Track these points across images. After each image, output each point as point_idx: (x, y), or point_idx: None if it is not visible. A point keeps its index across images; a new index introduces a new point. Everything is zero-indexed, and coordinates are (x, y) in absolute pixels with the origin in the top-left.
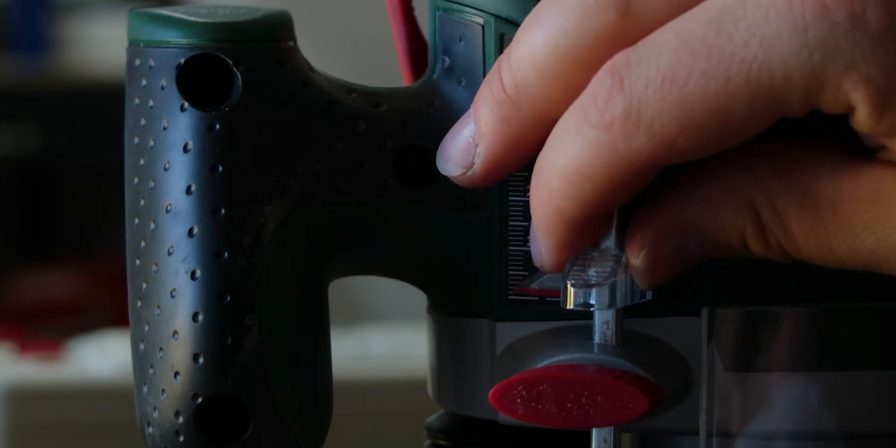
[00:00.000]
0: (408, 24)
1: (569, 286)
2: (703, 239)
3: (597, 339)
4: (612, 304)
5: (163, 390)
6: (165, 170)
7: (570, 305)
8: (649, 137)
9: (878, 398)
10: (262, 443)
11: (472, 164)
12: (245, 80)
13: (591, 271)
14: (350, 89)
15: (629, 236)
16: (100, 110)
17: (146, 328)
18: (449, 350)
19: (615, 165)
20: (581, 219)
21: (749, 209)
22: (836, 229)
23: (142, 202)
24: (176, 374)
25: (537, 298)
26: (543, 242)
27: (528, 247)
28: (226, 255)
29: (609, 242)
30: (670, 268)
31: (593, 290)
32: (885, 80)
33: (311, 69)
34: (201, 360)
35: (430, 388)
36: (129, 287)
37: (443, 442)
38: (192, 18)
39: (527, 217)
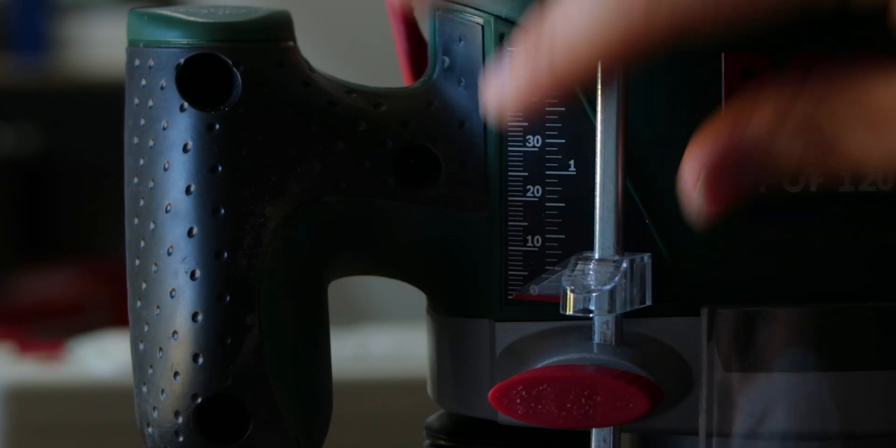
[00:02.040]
0: (408, 24)
1: (568, 292)
2: (760, 166)
3: (596, 339)
4: (611, 309)
5: (162, 390)
6: (165, 170)
7: (569, 311)
8: (671, 8)
9: (878, 398)
10: (262, 443)
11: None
12: (245, 80)
13: (591, 277)
14: (350, 89)
15: (685, 167)
16: (100, 110)
17: (146, 328)
18: (449, 350)
19: (627, 30)
20: (568, 79)
21: (806, 131)
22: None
23: (141, 202)
24: (176, 374)
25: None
26: (515, 85)
27: (528, 246)
28: (226, 255)
29: (609, 249)
30: (729, 193)
31: (593, 296)
32: None
33: (311, 69)
34: (201, 360)
35: (430, 388)
36: (128, 287)
37: (443, 442)
38: (192, 18)
39: (527, 217)
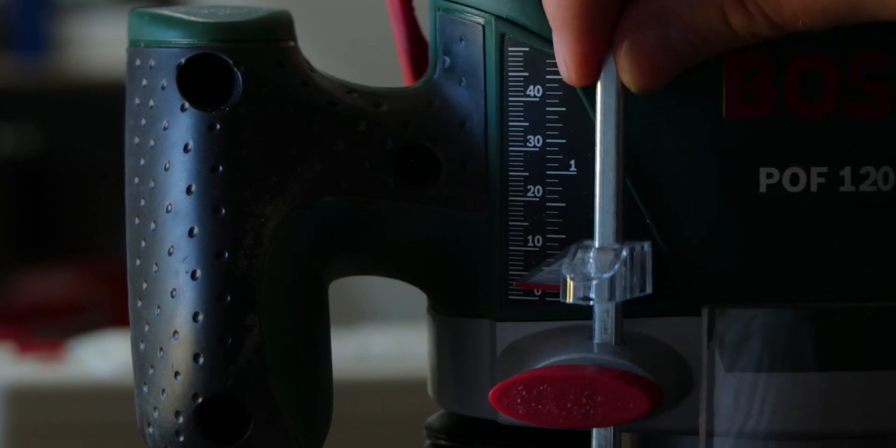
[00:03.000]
0: (408, 24)
1: (568, 280)
2: (683, 26)
3: (597, 339)
4: (611, 297)
5: (163, 390)
6: (166, 170)
7: (569, 299)
8: None
9: (880, 398)
10: (263, 443)
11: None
12: (245, 80)
13: (591, 265)
14: (350, 89)
15: (615, 35)
16: (100, 110)
17: (146, 328)
18: (449, 350)
19: None
20: None
21: None
22: None
23: (142, 202)
24: (176, 373)
25: (537, 298)
26: (561, 39)
27: (528, 246)
28: (226, 254)
29: (609, 237)
30: (656, 62)
31: (593, 284)
32: None
33: (312, 69)
34: (201, 360)
35: (430, 388)
36: (129, 287)
37: (443, 442)
38: (193, 18)
39: (527, 217)
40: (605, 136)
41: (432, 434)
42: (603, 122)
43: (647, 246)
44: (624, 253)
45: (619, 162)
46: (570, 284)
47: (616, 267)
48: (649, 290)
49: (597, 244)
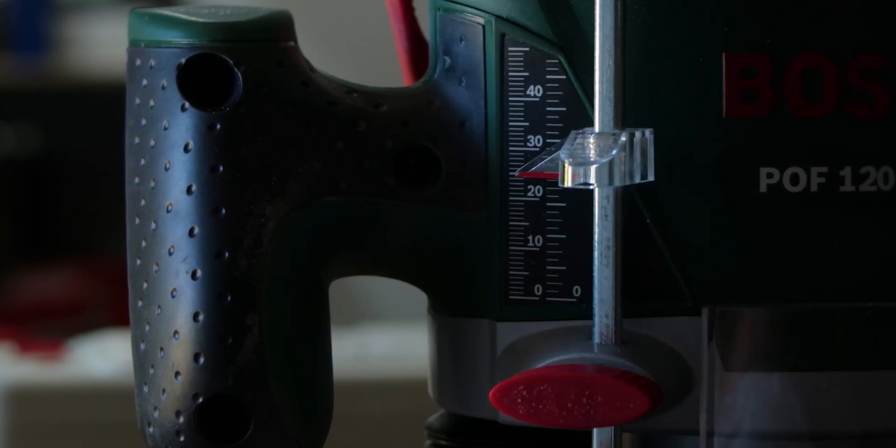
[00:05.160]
0: (408, 24)
1: (566, 164)
2: None
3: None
4: (610, 181)
5: (163, 390)
6: (166, 170)
7: (567, 184)
8: None
9: (878, 398)
10: (263, 443)
11: None
12: (246, 80)
13: (590, 150)
14: (350, 89)
15: None
16: (100, 110)
17: (147, 328)
18: (449, 350)
19: None
20: None
21: None
22: None
23: (142, 202)
24: (176, 373)
25: (537, 298)
26: None
27: (528, 246)
28: (226, 254)
29: (608, 123)
30: None
31: (591, 168)
32: None
33: (312, 69)
34: (202, 359)
35: (430, 388)
36: (129, 287)
37: (443, 442)
38: (193, 18)
39: (527, 217)
40: (605, 20)
41: (432, 434)
42: (602, 4)
43: (648, 132)
44: (623, 138)
45: (618, 46)
46: (569, 169)
47: (614, 152)
48: (650, 177)
49: (596, 130)
